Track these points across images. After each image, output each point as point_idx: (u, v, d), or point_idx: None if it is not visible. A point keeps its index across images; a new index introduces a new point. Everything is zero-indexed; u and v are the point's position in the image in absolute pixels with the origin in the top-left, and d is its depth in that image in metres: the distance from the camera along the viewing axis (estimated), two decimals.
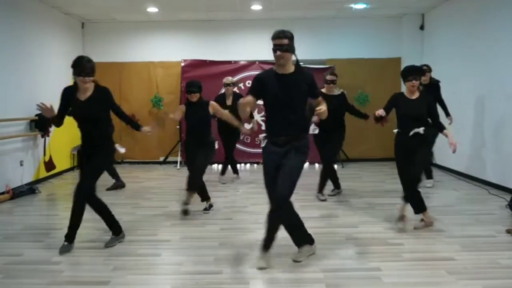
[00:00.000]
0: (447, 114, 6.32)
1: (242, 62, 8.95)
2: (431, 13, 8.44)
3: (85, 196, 3.85)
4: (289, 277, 3.28)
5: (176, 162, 8.78)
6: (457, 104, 7.21)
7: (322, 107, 3.34)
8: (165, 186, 6.84)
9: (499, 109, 6.15)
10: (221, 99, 6.64)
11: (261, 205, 4.94)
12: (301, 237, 3.63)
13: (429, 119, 4.37)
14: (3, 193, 6.01)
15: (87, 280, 3.28)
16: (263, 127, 3.34)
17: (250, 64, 8.94)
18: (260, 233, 3.70)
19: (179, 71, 8.96)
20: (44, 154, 7.24)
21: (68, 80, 6.80)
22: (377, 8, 8.22)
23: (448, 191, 6.18)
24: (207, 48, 9.06)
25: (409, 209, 4.45)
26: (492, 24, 6.32)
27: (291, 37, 3.31)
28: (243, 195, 6.18)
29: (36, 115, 6.85)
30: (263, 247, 3.51)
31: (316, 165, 8.41)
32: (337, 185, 5.95)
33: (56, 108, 3.85)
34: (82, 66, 3.72)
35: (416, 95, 4.40)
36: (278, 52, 3.28)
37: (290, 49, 3.31)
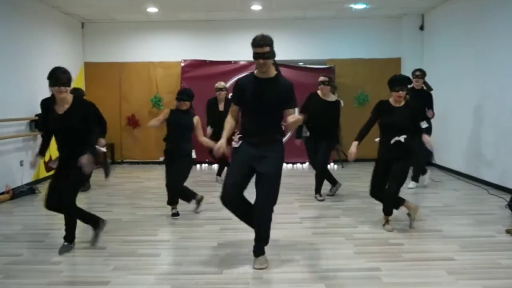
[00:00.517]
0: (429, 108, 6.04)
1: (242, 62, 8.94)
2: (431, 13, 8.44)
3: (68, 210, 3.81)
4: (289, 277, 3.28)
5: None
6: (457, 104, 7.22)
7: (289, 119, 3.23)
8: (165, 186, 6.80)
9: (499, 109, 6.15)
10: (213, 105, 6.61)
11: None
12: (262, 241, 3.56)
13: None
14: (3, 193, 6.01)
15: (87, 280, 3.27)
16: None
17: (250, 64, 8.89)
18: None
19: (179, 71, 8.97)
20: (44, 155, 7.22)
21: None
22: (377, 8, 8.22)
23: (448, 191, 6.17)
24: (207, 48, 9.06)
25: (401, 210, 4.43)
26: (492, 24, 6.32)
27: (271, 44, 3.31)
28: None
29: (36, 115, 6.85)
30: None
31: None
32: (333, 182, 5.90)
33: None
34: (56, 76, 3.61)
35: (401, 103, 4.26)
36: (261, 61, 3.30)
37: (272, 55, 3.33)
